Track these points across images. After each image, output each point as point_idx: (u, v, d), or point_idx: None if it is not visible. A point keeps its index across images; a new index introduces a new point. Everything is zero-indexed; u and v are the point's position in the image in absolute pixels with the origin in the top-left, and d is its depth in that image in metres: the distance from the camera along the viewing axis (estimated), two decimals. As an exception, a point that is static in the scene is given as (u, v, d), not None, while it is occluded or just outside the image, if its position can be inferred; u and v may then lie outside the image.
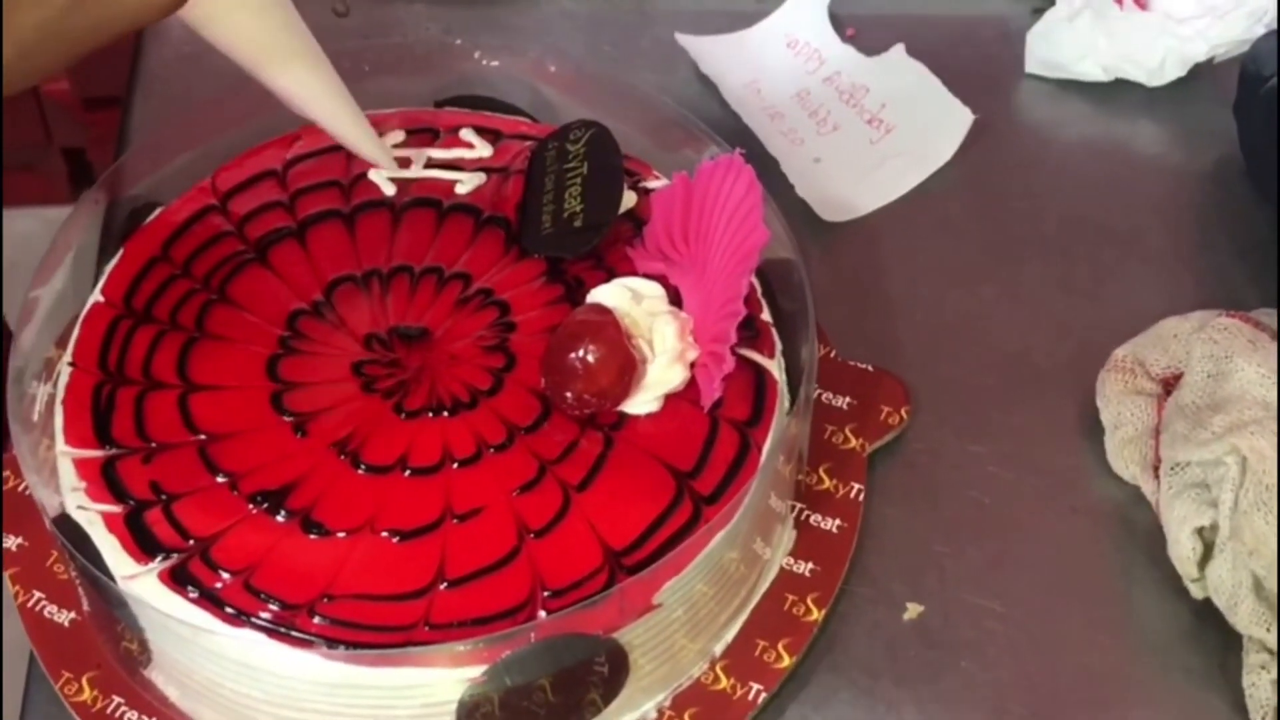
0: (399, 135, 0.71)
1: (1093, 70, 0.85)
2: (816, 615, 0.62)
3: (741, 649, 0.61)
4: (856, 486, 0.66)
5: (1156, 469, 0.65)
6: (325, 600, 0.55)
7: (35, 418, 0.61)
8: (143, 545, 0.56)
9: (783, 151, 0.82)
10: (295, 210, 0.68)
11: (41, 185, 1.52)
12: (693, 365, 0.61)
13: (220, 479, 0.58)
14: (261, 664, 0.54)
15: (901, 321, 0.74)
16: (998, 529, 0.66)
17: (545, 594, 0.55)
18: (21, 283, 0.64)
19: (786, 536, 0.64)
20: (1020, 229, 0.79)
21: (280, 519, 0.57)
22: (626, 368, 0.60)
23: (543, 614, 0.54)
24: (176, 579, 0.55)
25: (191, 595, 0.55)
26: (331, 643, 0.53)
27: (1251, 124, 0.79)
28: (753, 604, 0.62)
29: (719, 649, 0.61)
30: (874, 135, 0.84)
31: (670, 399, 0.61)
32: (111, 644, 0.60)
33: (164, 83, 0.85)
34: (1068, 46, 0.85)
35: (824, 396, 0.69)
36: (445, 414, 0.60)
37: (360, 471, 0.58)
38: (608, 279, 0.63)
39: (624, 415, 0.60)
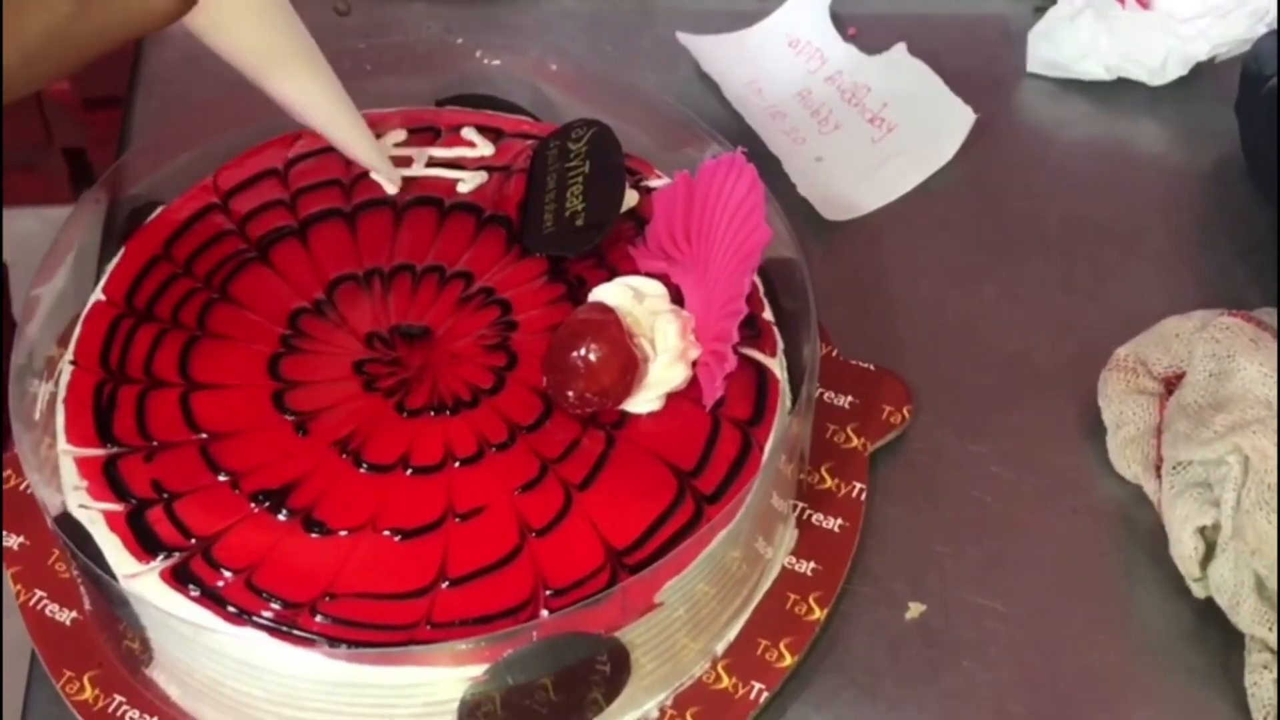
0: (400, 134, 0.71)
1: (1094, 69, 0.85)
2: (818, 614, 0.62)
3: (743, 648, 0.61)
4: (858, 486, 0.66)
5: (1158, 468, 0.65)
6: (327, 599, 0.54)
7: (37, 416, 0.61)
8: (144, 544, 0.56)
9: (784, 150, 0.82)
10: (297, 209, 0.68)
11: (42, 185, 1.52)
12: (694, 364, 0.61)
13: (222, 478, 0.58)
14: (263, 663, 0.54)
15: (903, 321, 0.74)
16: (999, 528, 0.66)
17: (547, 593, 0.55)
18: (23, 282, 0.64)
19: (788, 536, 0.64)
20: (1022, 228, 0.79)
21: (282, 518, 0.57)
22: (628, 366, 0.60)
23: (544, 613, 0.54)
24: (178, 578, 0.55)
25: (193, 594, 0.55)
26: (333, 641, 0.53)
27: (1253, 123, 0.79)
28: (754, 603, 0.62)
29: (721, 648, 0.61)
30: (875, 134, 0.84)
31: (672, 398, 0.61)
32: (113, 643, 0.60)
33: (165, 83, 0.84)
34: (1069, 46, 0.85)
35: (826, 396, 0.69)
36: (447, 413, 0.60)
37: (362, 470, 0.58)
38: (609, 278, 0.63)
39: (626, 414, 0.60)
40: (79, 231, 0.66)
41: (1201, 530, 0.62)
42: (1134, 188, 0.81)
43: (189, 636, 0.55)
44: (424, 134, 0.72)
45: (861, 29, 0.89)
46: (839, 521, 0.65)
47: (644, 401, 0.60)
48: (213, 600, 0.55)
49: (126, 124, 0.83)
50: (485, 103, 0.74)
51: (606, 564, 0.56)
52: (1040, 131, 0.85)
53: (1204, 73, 0.85)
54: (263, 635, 0.54)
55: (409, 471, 0.58)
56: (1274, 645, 0.60)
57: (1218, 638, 0.62)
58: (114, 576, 0.55)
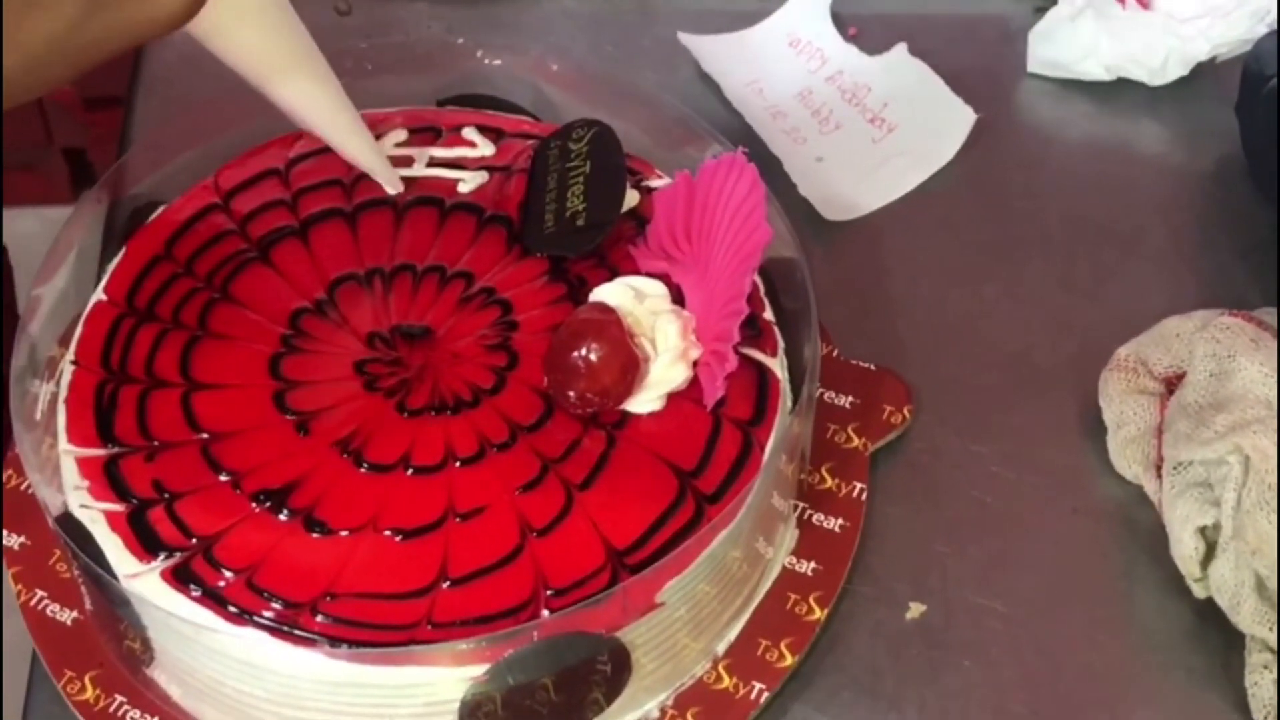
0: (401, 134, 0.71)
1: (1095, 70, 0.85)
2: (819, 614, 0.62)
3: (744, 648, 0.61)
4: (859, 486, 0.66)
5: (1159, 468, 0.65)
6: (328, 599, 0.55)
7: (38, 416, 0.61)
8: (145, 544, 0.56)
9: (785, 150, 0.82)
10: (298, 209, 0.68)
11: (42, 185, 1.52)
12: (695, 364, 0.61)
13: (223, 478, 0.58)
14: (264, 663, 0.54)
15: (904, 321, 0.74)
16: (1000, 528, 0.66)
17: (548, 593, 0.55)
18: (23, 282, 0.64)
19: (789, 536, 0.64)
20: (1022, 228, 0.79)
21: (283, 518, 0.57)
22: (629, 366, 0.60)
23: (545, 613, 0.54)
24: (179, 578, 0.55)
25: (194, 594, 0.55)
26: (334, 641, 0.53)
27: (1254, 123, 0.79)
28: (755, 603, 0.62)
29: (721, 648, 0.61)
30: (876, 134, 0.84)
31: (673, 398, 0.61)
32: (114, 643, 0.60)
33: (166, 83, 0.84)
34: (1070, 46, 0.85)
35: (826, 395, 0.69)
36: (448, 413, 0.60)
37: (363, 470, 0.58)
38: (610, 278, 0.63)
39: (626, 414, 0.60)
40: (80, 231, 0.66)
41: (1202, 530, 0.62)
42: (1134, 188, 0.81)
43: (190, 636, 0.55)
44: (425, 134, 0.72)
45: (862, 29, 0.89)
46: (840, 521, 0.65)
47: (645, 401, 0.60)
48: (214, 600, 0.55)
49: (127, 124, 0.83)
50: (486, 103, 0.74)
51: (607, 564, 0.56)
52: (1041, 131, 0.85)
53: (1204, 73, 0.85)
54: (264, 635, 0.54)
55: (410, 471, 0.58)
56: (1274, 645, 0.60)
57: (1218, 638, 0.62)
58: (115, 576, 0.55)
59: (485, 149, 0.71)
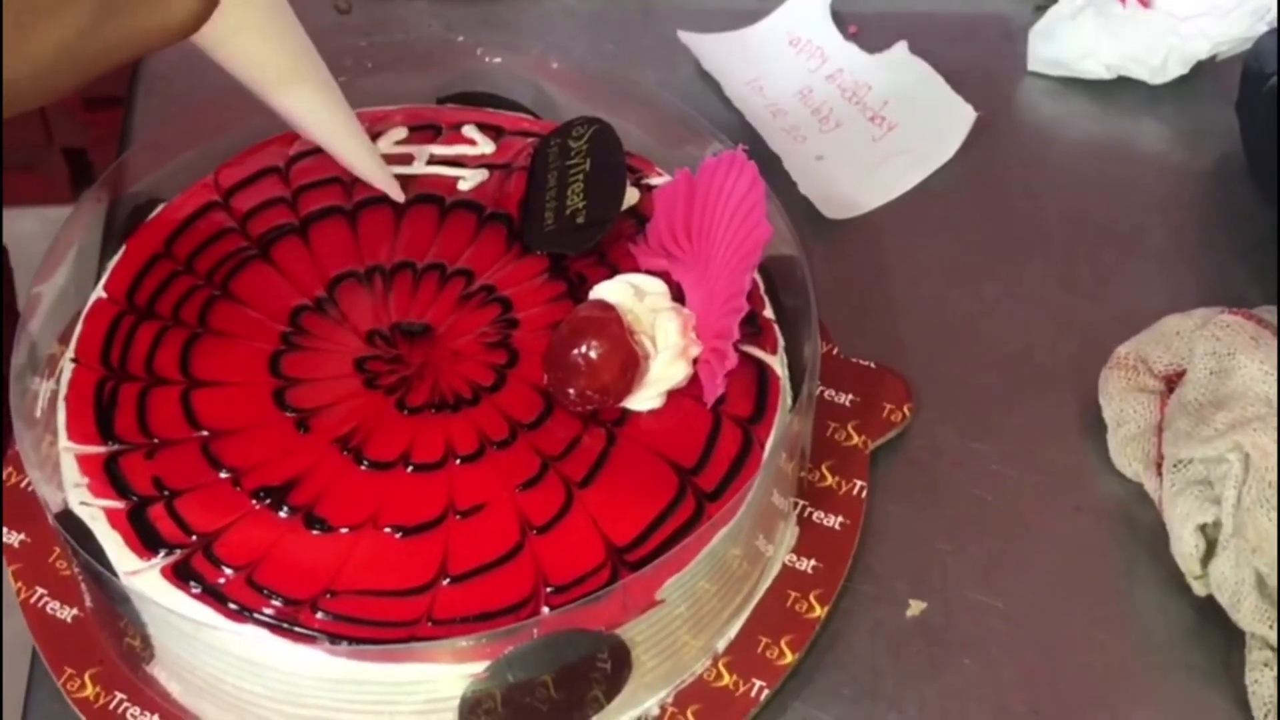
0: (401, 132, 0.71)
1: (1095, 68, 0.85)
2: (819, 612, 0.62)
3: (744, 646, 0.61)
4: (859, 484, 0.66)
5: (1159, 466, 0.65)
6: (328, 596, 0.55)
7: (38, 414, 0.61)
8: (145, 541, 0.56)
9: (785, 149, 0.81)
10: (298, 206, 0.68)
11: (42, 185, 1.53)
12: (695, 361, 0.61)
13: (223, 475, 0.58)
14: (264, 660, 0.54)
15: (904, 319, 0.74)
16: (1000, 526, 0.66)
17: (548, 590, 0.55)
18: (23, 282, 0.64)
19: (789, 533, 0.64)
20: (1022, 226, 0.79)
21: (283, 515, 0.57)
22: (629, 364, 0.60)
23: (545, 610, 0.54)
24: (179, 575, 0.55)
25: (194, 591, 0.55)
26: (334, 638, 0.53)
27: (1254, 122, 0.79)
28: (755, 601, 0.62)
29: (721, 645, 0.61)
30: (876, 133, 0.84)
31: (673, 395, 0.61)
32: (114, 640, 0.60)
33: (166, 83, 0.84)
34: (1070, 44, 0.85)
35: (826, 393, 0.69)
36: (448, 410, 0.60)
37: (363, 468, 0.58)
38: (610, 275, 0.63)
39: (626, 412, 0.60)
40: (80, 229, 0.66)
41: (1202, 528, 0.62)
42: (1135, 186, 0.81)
43: (190, 634, 0.55)
44: (425, 132, 0.72)
45: (862, 27, 0.89)
46: (840, 519, 0.65)
47: (645, 399, 0.60)
48: (214, 597, 0.55)
49: (127, 124, 0.83)
50: (486, 100, 0.74)
51: (607, 561, 0.56)
52: (1041, 130, 0.85)
53: (1205, 71, 0.85)
54: (264, 632, 0.54)
55: (410, 469, 0.58)
56: (1274, 643, 0.60)
57: (1218, 635, 0.62)
58: (115, 573, 0.55)
59: (485, 147, 0.71)
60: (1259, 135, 0.78)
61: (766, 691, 0.59)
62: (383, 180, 0.68)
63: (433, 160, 0.70)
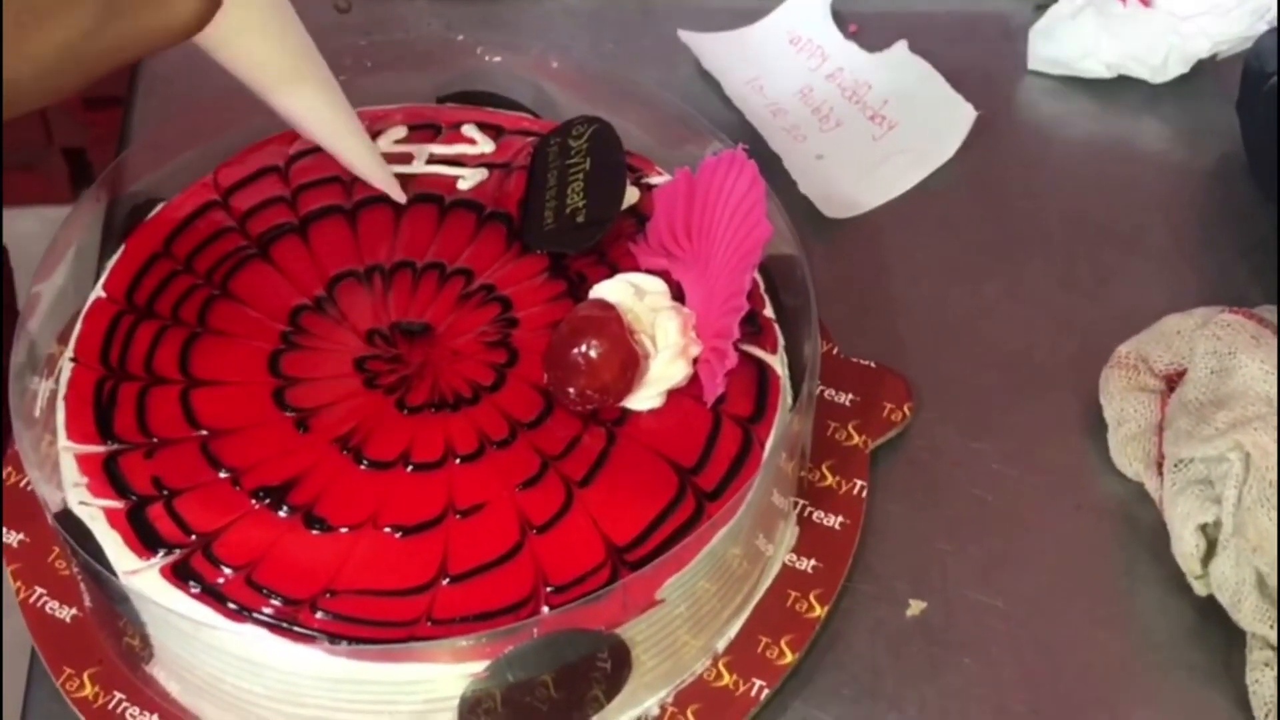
0: (401, 131, 0.71)
1: (1095, 67, 0.85)
2: (819, 612, 0.62)
3: (744, 645, 0.61)
4: (859, 483, 0.66)
5: (1160, 465, 0.65)
6: (327, 596, 0.54)
7: (37, 413, 0.61)
8: (145, 540, 0.56)
9: (785, 148, 0.81)
10: (297, 206, 0.68)
11: (42, 185, 1.52)
12: (695, 361, 0.61)
13: (222, 474, 0.58)
14: (263, 659, 0.54)
15: (904, 318, 0.74)
16: (1000, 526, 0.66)
17: (548, 590, 0.55)
18: (23, 282, 0.64)
19: (789, 533, 0.64)
20: (1023, 226, 0.79)
21: (282, 514, 0.57)
22: (629, 363, 0.60)
23: (545, 610, 0.54)
24: (178, 574, 0.55)
25: (193, 591, 0.55)
26: (334, 638, 0.53)
27: (1254, 121, 0.78)
28: (755, 600, 0.62)
29: (721, 645, 0.60)
30: (876, 132, 0.83)
31: (673, 395, 0.61)
32: (113, 640, 0.60)
33: (166, 82, 0.84)
34: (1070, 43, 0.85)
35: (826, 393, 0.69)
36: (447, 410, 0.60)
37: (362, 467, 0.58)
38: (610, 274, 0.63)
39: (626, 411, 0.60)
40: (79, 228, 0.66)
41: (1203, 527, 0.62)
42: (1135, 185, 0.81)
43: (189, 633, 0.55)
44: (424, 131, 0.71)
45: (862, 26, 0.89)
46: (840, 519, 0.65)
47: (645, 398, 0.60)
48: (213, 597, 0.55)
49: (126, 123, 0.83)
50: (486, 100, 0.74)
51: (607, 561, 0.55)
52: (1041, 129, 0.85)
53: (1205, 70, 0.85)
54: (263, 632, 0.54)
55: (410, 468, 0.58)
56: (1275, 643, 0.60)
57: (1219, 635, 0.62)
58: (114, 573, 0.55)
59: (485, 146, 0.71)
60: (1259, 134, 0.78)
61: (766, 691, 0.59)
62: (383, 180, 0.68)
63: (432, 159, 0.70)
